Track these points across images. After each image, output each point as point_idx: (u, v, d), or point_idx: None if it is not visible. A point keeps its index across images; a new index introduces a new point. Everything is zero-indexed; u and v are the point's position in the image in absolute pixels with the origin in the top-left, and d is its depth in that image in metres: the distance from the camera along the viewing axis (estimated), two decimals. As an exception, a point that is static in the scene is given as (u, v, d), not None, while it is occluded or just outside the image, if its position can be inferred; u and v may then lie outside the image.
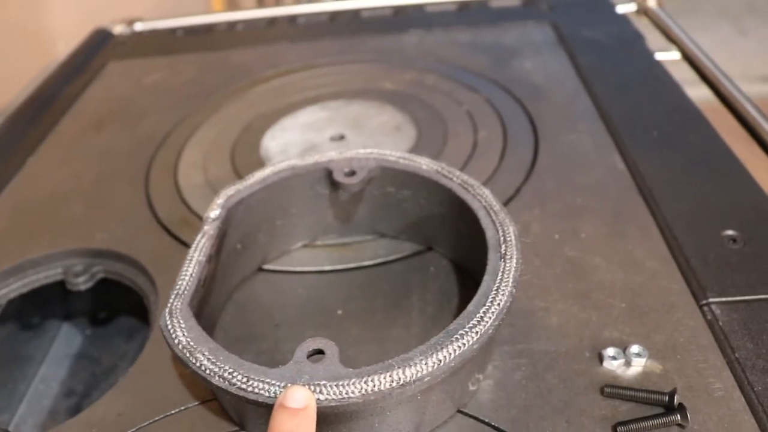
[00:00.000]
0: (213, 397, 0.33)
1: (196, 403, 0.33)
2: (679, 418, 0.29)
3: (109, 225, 0.46)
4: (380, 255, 0.40)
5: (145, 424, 0.33)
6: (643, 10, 0.66)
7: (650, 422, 0.29)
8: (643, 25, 0.65)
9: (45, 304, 0.52)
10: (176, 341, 0.29)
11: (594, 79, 0.55)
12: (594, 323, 0.34)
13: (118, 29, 0.78)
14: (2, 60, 0.77)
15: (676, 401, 0.29)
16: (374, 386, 0.25)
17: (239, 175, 0.49)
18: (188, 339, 0.29)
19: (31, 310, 0.51)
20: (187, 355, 0.28)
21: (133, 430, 0.32)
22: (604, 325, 0.34)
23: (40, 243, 0.46)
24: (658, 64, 0.56)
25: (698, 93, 0.53)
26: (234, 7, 1.48)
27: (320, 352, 0.27)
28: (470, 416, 0.31)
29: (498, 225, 0.33)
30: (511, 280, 0.29)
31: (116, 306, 0.53)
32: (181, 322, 0.29)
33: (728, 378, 0.31)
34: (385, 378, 0.26)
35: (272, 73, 0.63)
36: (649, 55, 0.58)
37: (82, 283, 0.44)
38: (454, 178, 0.36)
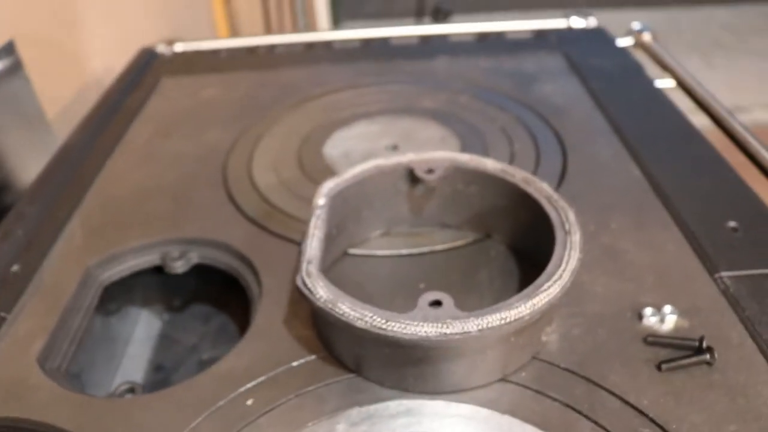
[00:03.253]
0: (328, 351, 0.40)
1: (314, 356, 0.40)
2: (708, 357, 0.37)
3: (199, 218, 0.53)
4: (447, 241, 0.48)
5: (272, 373, 0.39)
6: (639, 44, 0.76)
7: (687, 360, 0.37)
8: (639, 57, 0.75)
9: (127, 292, 0.57)
10: (317, 296, 0.36)
11: (605, 101, 0.64)
12: (631, 292, 0.43)
13: (160, 49, 0.85)
14: (44, 76, 0.83)
15: (704, 345, 0.38)
16: (488, 323, 0.33)
17: (310, 178, 0.56)
18: (328, 294, 0.36)
19: (114, 297, 0.56)
20: (330, 306, 0.35)
21: (262, 378, 0.39)
22: (639, 293, 0.43)
23: (136, 234, 0.51)
24: (658, 90, 0.66)
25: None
26: (236, 33, 1.56)
27: (438, 302, 0.35)
28: (544, 361, 0.38)
29: (559, 209, 0.41)
30: (578, 249, 0.38)
31: (190, 294, 0.59)
32: (319, 281, 0.37)
33: (741, 330, 0.39)
34: (495, 317, 0.33)
35: (320, 91, 0.70)
36: (650, 81, 0.68)
37: (179, 267, 0.51)
38: (517, 175, 0.44)
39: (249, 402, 0.37)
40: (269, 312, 0.44)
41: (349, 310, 0.35)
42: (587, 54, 0.75)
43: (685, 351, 0.38)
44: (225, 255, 0.50)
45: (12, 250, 0.51)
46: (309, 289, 0.36)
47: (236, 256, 0.49)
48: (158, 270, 0.52)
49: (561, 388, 0.37)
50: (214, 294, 0.59)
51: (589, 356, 0.38)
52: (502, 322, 0.33)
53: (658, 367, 0.37)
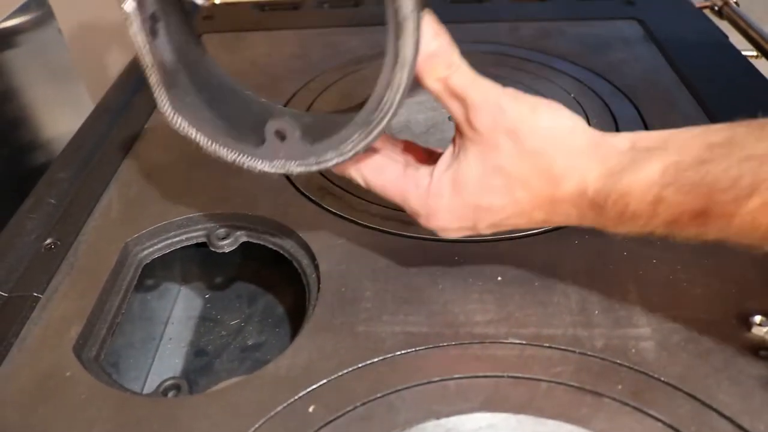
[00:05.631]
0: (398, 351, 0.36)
1: (380, 357, 0.36)
2: (835, 377, 0.33)
3: (248, 191, 0.48)
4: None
5: (335, 376, 0.35)
6: (718, 10, 0.69)
7: (810, 381, 0.33)
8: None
9: (166, 267, 0.54)
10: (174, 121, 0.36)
11: (687, 72, 0.58)
12: (735, 294, 0.38)
13: (199, 2, 0.80)
14: (77, 28, 0.79)
15: (830, 363, 0.33)
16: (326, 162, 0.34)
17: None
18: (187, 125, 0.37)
19: (152, 272, 0.52)
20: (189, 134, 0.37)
21: (324, 381, 0.35)
22: (744, 297, 0.38)
23: (180, 206, 0.47)
24: (746, 60, 0.60)
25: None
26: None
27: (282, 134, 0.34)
28: (641, 372, 0.34)
29: None
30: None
31: (234, 270, 0.56)
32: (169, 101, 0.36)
33: None
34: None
35: (374, 53, 0.65)
36: (736, 50, 0.62)
37: (225, 247, 0.46)
38: None
39: (311, 409, 0.34)
40: (329, 303, 0.40)
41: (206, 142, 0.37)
42: (664, 18, 0.68)
43: (805, 368, 0.34)
44: (277, 234, 0.46)
45: (44, 223, 0.47)
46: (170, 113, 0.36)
47: (290, 236, 0.45)
48: (199, 243, 0.48)
49: (663, 406, 0.33)
50: (259, 271, 0.55)
51: (693, 369, 0.34)
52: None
53: (776, 387, 0.33)
